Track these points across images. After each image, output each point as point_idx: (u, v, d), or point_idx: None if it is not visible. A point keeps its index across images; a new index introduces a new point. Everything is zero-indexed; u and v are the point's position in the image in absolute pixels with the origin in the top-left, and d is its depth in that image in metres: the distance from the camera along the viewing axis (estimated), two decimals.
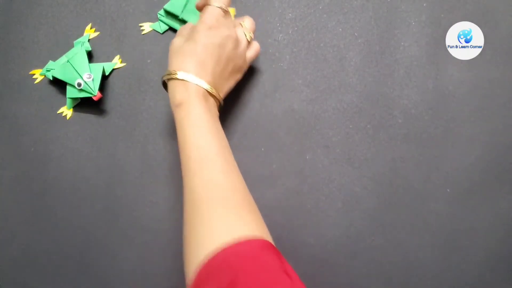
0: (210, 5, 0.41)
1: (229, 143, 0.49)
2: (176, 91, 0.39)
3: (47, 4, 0.52)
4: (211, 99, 0.41)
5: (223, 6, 0.41)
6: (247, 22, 0.44)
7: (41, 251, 0.50)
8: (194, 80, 0.39)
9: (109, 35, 0.51)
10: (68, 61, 0.48)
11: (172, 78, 0.40)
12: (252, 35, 0.44)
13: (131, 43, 0.50)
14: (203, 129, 0.38)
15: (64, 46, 0.51)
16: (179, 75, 0.39)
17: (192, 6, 0.49)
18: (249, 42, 0.44)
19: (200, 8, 0.43)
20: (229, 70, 0.42)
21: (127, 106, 0.50)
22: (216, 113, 0.41)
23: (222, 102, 0.42)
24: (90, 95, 0.47)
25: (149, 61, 0.50)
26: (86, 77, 0.47)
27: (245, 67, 0.44)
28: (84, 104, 0.50)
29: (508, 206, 0.46)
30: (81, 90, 0.47)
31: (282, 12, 0.49)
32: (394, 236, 0.47)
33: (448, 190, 0.47)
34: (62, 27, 0.51)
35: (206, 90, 0.39)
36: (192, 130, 0.38)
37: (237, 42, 0.42)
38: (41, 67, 0.51)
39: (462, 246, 0.46)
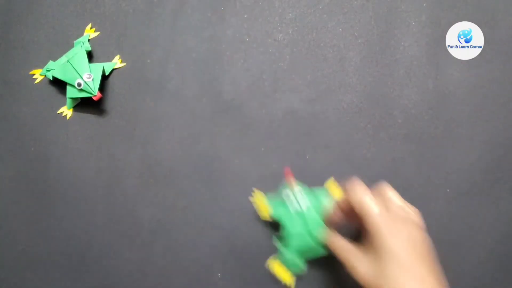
0: (367, 211, 0.35)
1: (229, 143, 0.49)
2: None
3: (47, 4, 0.52)
4: None
5: (378, 203, 0.36)
6: (395, 196, 0.37)
7: (41, 251, 0.50)
8: None
9: (109, 35, 0.51)
10: (68, 61, 0.48)
11: None
12: (408, 204, 0.38)
13: (131, 43, 0.50)
14: None
15: (64, 46, 0.51)
16: None
17: (310, 224, 0.41)
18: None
19: (337, 220, 0.39)
20: (430, 254, 0.36)
21: (127, 106, 0.50)
22: None
23: None
24: (90, 95, 0.47)
25: (149, 61, 0.50)
26: (86, 77, 0.47)
27: None
28: (84, 104, 0.50)
29: (508, 206, 0.46)
30: (81, 90, 0.47)
31: (282, 12, 0.49)
32: None
33: (448, 190, 0.47)
34: (62, 27, 0.51)
35: None
36: None
37: (416, 224, 0.36)
38: (41, 67, 0.51)
39: (462, 246, 0.46)
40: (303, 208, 0.42)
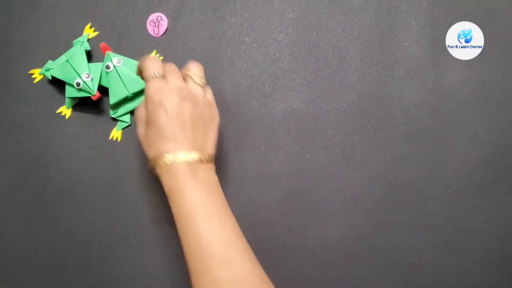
0: (146, 78, 0.37)
1: (229, 143, 0.46)
2: (163, 178, 0.36)
3: (47, 4, 0.48)
4: (202, 169, 0.36)
5: (157, 74, 0.37)
6: (193, 69, 0.39)
7: (41, 251, 0.47)
8: (174, 157, 0.35)
9: (109, 35, 0.47)
10: (67, 60, 0.44)
11: (156, 166, 0.36)
12: (203, 79, 0.39)
13: (131, 43, 0.47)
14: (200, 217, 0.33)
15: (64, 46, 0.47)
16: (160, 161, 0.35)
17: (125, 78, 0.44)
18: (203, 87, 0.40)
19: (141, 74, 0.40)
20: (202, 125, 0.37)
21: None
22: (212, 181, 0.37)
23: (213, 160, 0.38)
24: (89, 95, 0.44)
25: None
26: (85, 77, 0.43)
27: (214, 111, 0.40)
28: (83, 104, 0.47)
29: (508, 206, 0.43)
30: (80, 89, 0.44)
31: (282, 12, 0.46)
32: (394, 236, 0.44)
33: (448, 190, 0.44)
34: (62, 27, 0.48)
35: (192, 160, 0.35)
36: (188, 222, 0.33)
37: (192, 96, 0.37)
38: (40, 67, 0.47)
39: (462, 246, 0.43)
40: (116, 65, 0.44)
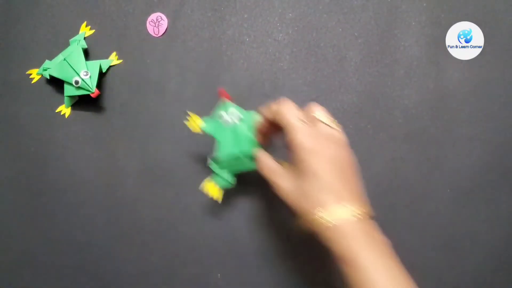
0: (290, 124, 0.33)
1: None
2: (330, 239, 0.30)
3: (47, 4, 0.48)
4: (371, 227, 0.31)
5: (303, 119, 0.33)
6: (318, 111, 0.34)
7: (40, 251, 0.47)
8: (341, 212, 0.30)
9: (109, 35, 0.47)
10: (64, 59, 0.44)
11: (315, 222, 0.31)
12: (335, 121, 0.34)
13: (131, 43, 0.47)
14: None
15: (63, 46, 0.47)
16: (323, 216, 0.30)
17: (241, 137, 0.39)
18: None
19: (266, 133, 0.37)
20: (355, 173, 0.33)
21: (126, 106, 0.46)
22: (385, 243, 0.31)
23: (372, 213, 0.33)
24: (88, 93, 0.43)
25: (148, 61, 0.46)
26: (83, 75, 0.43)
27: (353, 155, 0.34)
28: (82, 102, 0.46)
29: (508, 206, 0.43)
30: (79, 87, 0.43)
31: (282, 12, 0.46)
32: (394, 236, 0.43)
33: (448, 190, 0.43)
34: (62, 27, 0.48)
35: (361, 217, 0.30)
36: None
37: (340, 141, 0.33)
38: (40, 67, 0.47)
39: (462, 246, 0.43)
40: (235, 122, 0.39)
